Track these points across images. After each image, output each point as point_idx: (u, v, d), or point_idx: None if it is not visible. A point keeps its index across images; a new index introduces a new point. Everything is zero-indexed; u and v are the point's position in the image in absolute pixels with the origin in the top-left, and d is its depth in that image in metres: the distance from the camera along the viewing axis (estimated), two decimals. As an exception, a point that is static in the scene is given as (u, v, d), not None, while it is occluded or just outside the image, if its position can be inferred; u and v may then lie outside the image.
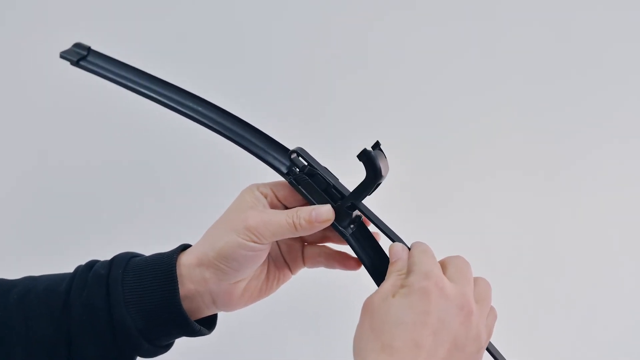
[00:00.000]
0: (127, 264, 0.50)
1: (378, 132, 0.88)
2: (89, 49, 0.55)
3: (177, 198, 0.90)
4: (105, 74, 0.54)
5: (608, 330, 0.89)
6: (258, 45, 0.92)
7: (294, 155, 0.51)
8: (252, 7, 0.93)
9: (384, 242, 0.52)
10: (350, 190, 0.50)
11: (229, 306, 0.52)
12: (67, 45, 0.55)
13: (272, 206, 0.51)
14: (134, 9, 0.92)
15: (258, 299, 0.54)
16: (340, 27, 0.93)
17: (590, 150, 0.92)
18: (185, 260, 0.50)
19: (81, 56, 0.54)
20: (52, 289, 0.50)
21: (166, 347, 0.52)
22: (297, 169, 0.51)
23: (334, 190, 0.50)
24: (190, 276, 0.50)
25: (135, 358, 0.50)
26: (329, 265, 0.55)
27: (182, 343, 0.53)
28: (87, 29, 0.90)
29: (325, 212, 0.49)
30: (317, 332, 0.87)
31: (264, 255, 0.50)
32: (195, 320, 0.51)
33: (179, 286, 0.49)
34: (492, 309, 0.49)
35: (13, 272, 0.54)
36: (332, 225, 0.50)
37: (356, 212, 0.51)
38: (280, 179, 0.52)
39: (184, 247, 0.52)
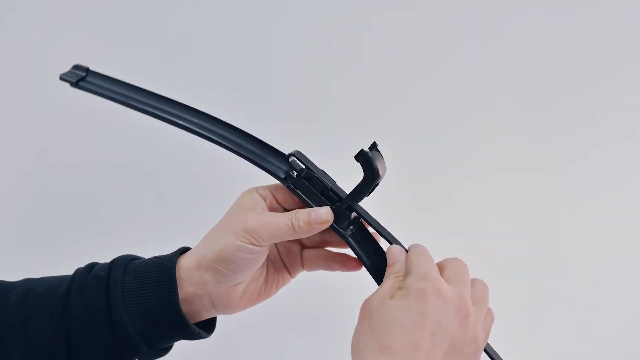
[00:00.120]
0: (126, 266, 0.50)
1: (377, 132, 0.88)
2: (87, 70, 0.56)
3: (177, 198, 0.90)
4: (104, 93, 0.55)
5: (608, 330, 0.89)
6: (257, 46, 0.92)
7: (291, 159, 0.51)
8: (251, 7, 0.92)
9: (384, 242, 0.52)
10: (348, 192, 0.50)
11: (228, 309, 0.52)
12: (67, 45, 0.56)
13: (271, 209, 0.52)
14: (134, 8, 0.92)
15: (257, 302, 0.54)
16: (338, 27, 0.93)
17: (590, 149, 0.92)
18: (184, 263, 0.50)
19: (80, 77, 0.56)
20: (52, 290, 0.50)
21: (165, 350, 0.52)
22: (295, 173, 0.51)
23: (331, 193, 0.50)
24: (189, 279, 0.50)
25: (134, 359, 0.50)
26: (329, 267, 0.55)
27: (181, 346, 0.53)
28: (87, 29, 0.90)
29: (324, 214, 0.49)
30: (316, 334, 0.87)
31: (263, 258, 0.50)
32: (194, 323, 0.51)
33: (178, 289, 0.49)
34: (489, 310, 0.49)
35: (13, 272, 0.54)
36: (332, 226, 0.50)
37: (355, 214, 0.51)
38: (279, 182, 0.52)
39: (184, 250, 0.52)
